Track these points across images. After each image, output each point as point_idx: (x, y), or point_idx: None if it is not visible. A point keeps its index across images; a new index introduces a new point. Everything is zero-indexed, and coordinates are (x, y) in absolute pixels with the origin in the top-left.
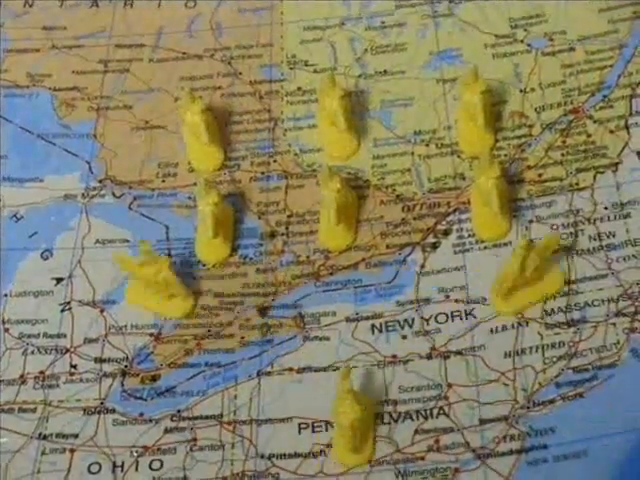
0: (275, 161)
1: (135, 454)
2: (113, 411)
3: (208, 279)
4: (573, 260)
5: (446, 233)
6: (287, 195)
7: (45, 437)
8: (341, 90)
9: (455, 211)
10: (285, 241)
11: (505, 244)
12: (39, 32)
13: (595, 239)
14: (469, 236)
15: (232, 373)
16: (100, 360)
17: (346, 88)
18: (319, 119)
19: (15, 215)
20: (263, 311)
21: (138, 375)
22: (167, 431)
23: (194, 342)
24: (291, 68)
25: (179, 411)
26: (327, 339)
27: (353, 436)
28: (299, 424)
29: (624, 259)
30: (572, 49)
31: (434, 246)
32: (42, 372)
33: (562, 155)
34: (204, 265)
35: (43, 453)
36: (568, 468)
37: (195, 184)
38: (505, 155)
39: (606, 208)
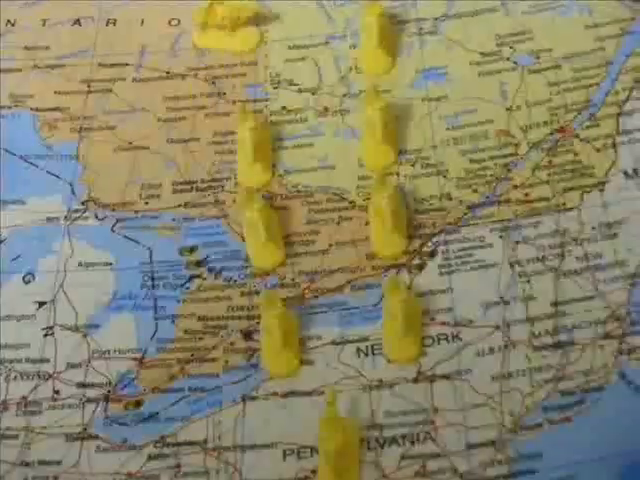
0: None
1: None
2: (96, 437)
3: (192, 302)
4: (560, 281)
5: (432, 254)
6: None
7: (28, 464)
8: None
9: (441, 232)
10: None
11: (492, 265)
12: (21, 52)
13: (582, 260)
14: (455, 257)
15: (216, 398)
16: (83, 385)
17: (329, 107)
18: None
19: None
20: (248, 335)
21: (121, 400)
22: (151, 458)
23: (178, 366)
24: (275, 87)
25: (163, 437)
26: (312, 363)
27: (338, 462)
28: (284, 450)
29: (611, 280)
30: (558, 67)
31: (420, 267)
32: (24, 398)
33: (549, 175)
34: (187, 288)
35: None
36: None
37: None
38: (491, 175)
39: (593, 228)
